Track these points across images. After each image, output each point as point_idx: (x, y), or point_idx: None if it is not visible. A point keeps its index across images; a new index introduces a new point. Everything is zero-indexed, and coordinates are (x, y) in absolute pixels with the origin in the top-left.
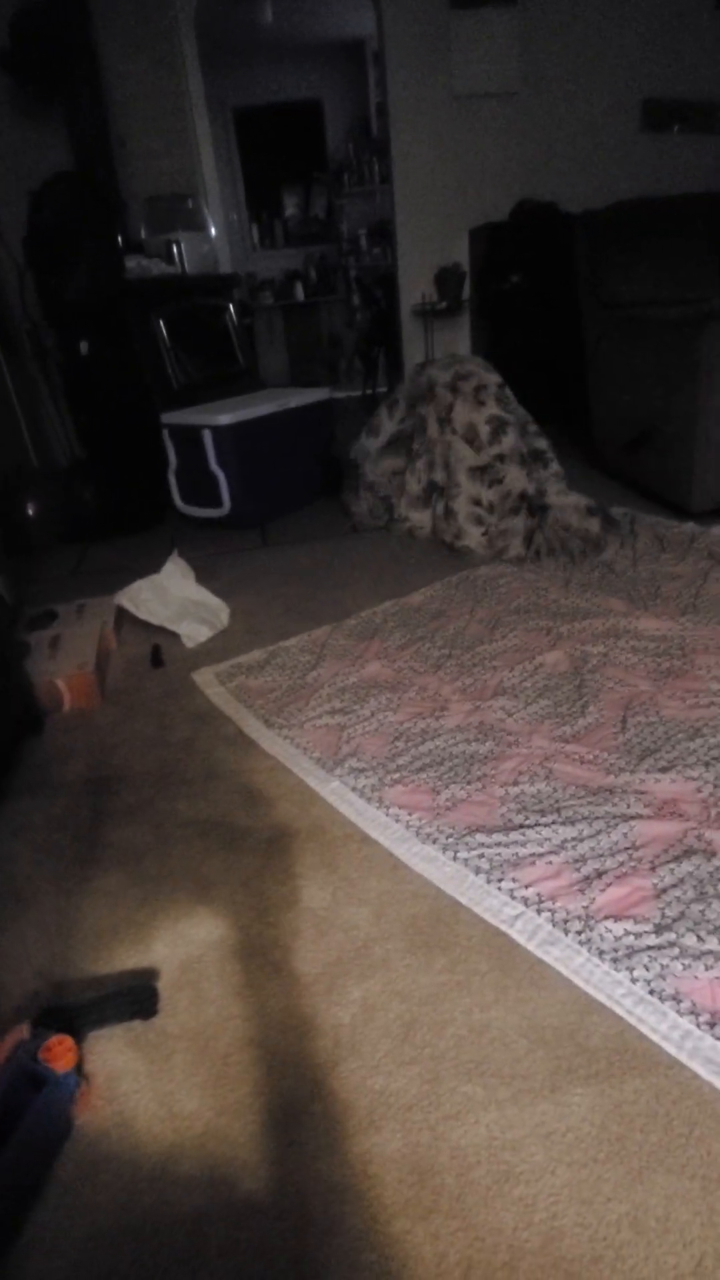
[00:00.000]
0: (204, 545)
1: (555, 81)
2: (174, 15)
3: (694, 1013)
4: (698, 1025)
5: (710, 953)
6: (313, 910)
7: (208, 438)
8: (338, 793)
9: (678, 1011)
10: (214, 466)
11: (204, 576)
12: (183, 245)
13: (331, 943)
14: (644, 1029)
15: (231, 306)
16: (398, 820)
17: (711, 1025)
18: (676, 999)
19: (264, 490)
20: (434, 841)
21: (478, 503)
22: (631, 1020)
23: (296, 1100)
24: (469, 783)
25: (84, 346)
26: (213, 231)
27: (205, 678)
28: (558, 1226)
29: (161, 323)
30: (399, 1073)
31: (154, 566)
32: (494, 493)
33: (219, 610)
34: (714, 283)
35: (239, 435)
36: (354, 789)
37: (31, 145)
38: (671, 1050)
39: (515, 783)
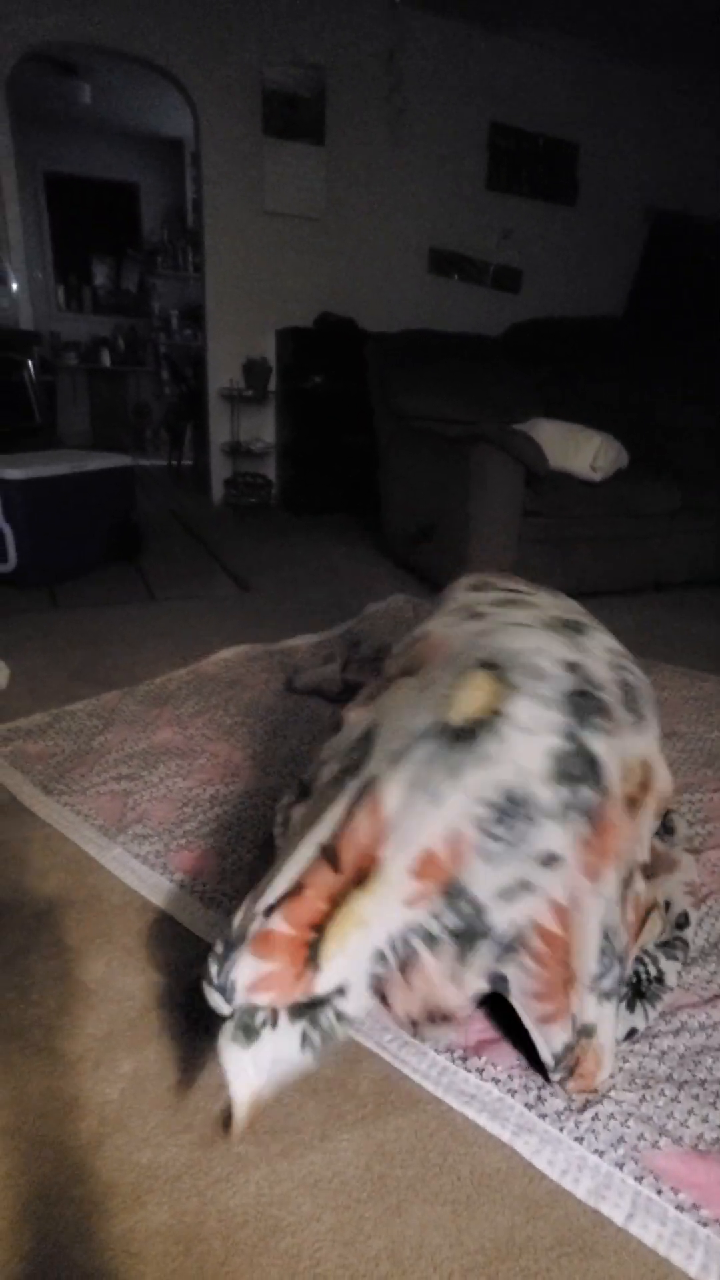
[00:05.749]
0: None
1: (357, 217)
2: None
3: (449, 1050)
4: (452, 1060)
5: None
6: (83, 983)
7: None
8: (119, 860)
9: (435, 1050)
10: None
11: None
12: None
13: (103, 1016)
14: (406, 1070)
15: (30, 363)
16: (182, 886)
17: (464, 1059)
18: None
19: (55, 551)
20: (219, 905)
21: None
22: (396, 1063)
23: (53, 1188)
24: (257, 845)
25: None
26: (14, 286)
27: None
28: (320, 1272)
29: None
30: (169, 1143)
31: None
32: None
33: None
34: (480, 408)
35: (29, 491)
36: (137, 855)
37: None
38: (430, 1087)
39: None
